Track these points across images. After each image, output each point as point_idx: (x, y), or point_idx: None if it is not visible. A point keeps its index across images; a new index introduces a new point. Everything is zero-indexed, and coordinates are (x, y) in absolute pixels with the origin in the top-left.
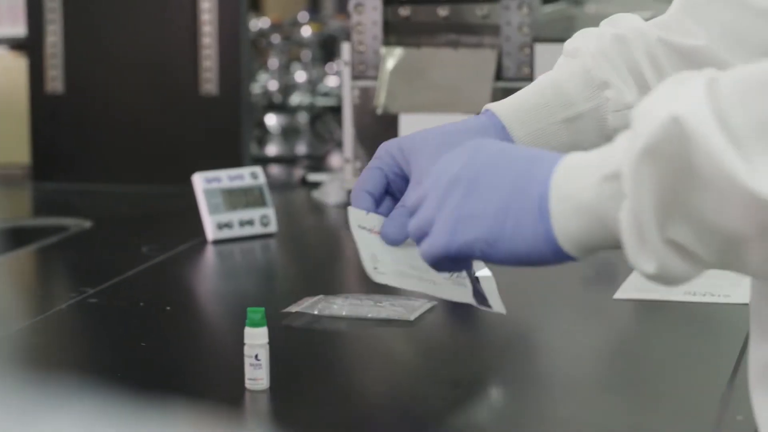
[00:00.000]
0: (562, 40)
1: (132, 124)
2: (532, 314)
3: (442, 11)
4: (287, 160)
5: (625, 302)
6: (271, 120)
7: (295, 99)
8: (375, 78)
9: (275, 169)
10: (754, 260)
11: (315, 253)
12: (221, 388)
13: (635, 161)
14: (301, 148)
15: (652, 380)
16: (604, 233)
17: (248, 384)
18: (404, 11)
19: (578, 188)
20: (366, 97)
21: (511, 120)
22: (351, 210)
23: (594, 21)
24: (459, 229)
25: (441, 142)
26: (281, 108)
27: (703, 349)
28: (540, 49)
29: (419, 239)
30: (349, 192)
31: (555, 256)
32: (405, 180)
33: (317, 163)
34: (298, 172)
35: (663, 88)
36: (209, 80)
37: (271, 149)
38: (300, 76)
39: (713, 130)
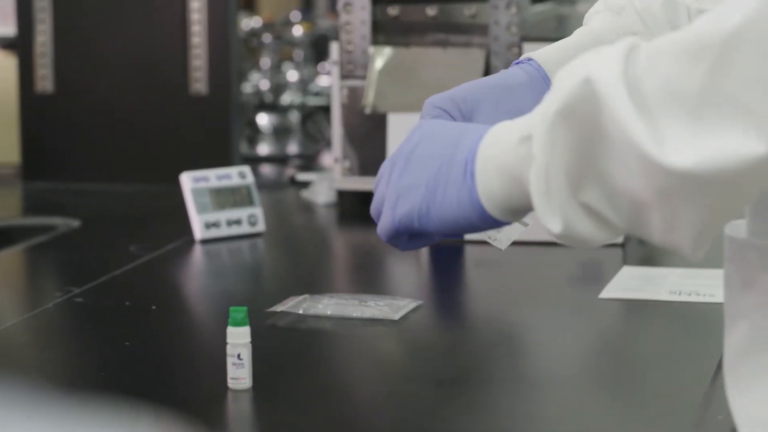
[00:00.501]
0: (550, 39)
1: (122, 123)
2: (517, 314)
3: (431, 11)
4: (279, 160)
5: (611, 302)
6: (263, 119)
7: (287, 98)
8: (364, 77)
9: (267, 169)
10: (655, 226)
11: (302, 252)
12: (204, 387)
13: (549, 122)
14: (293, 148)
15: (635, 379)
16: (522, 194)
17: (231, 383)
18: (393, 11)
19: (501, 150)
20: (355, 96)
21: (553, 65)
22: None
23: None
24: (399, 203)
25: (496, 98)
26: (272, 107)
27: (687, 349)
28: (528, 48)
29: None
30: (338, 192)
31: (480, 218)
32: None
33: (309, 162)
34: (290, 172)
35: (588, 53)
36: (199, 80)
37: (263, 149)
38: (292, 75)
39: (621, 92)
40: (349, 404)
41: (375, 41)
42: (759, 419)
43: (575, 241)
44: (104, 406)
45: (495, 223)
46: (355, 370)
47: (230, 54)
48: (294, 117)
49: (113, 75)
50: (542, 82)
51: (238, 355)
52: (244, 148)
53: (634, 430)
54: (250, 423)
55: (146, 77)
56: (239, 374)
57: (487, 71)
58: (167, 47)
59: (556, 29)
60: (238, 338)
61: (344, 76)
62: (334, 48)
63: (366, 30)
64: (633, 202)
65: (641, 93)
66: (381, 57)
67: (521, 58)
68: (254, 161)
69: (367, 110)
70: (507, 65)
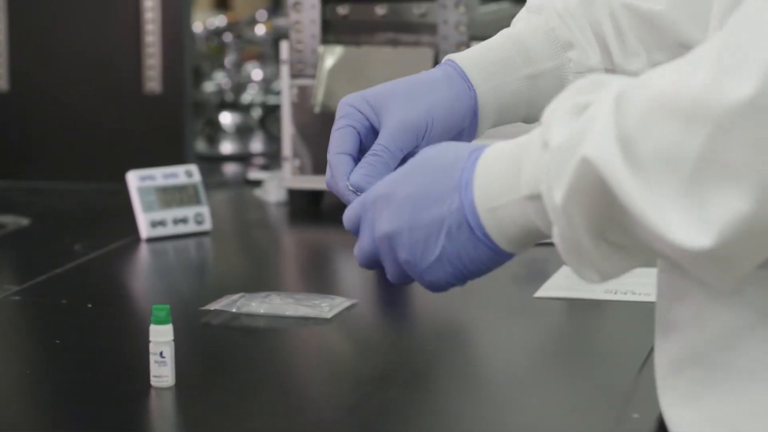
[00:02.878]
0: None
1: (76, 121)
2: (451, 312)
3: (381, 10)
4: (240, 158)
5: (546, 300)
6: (226, 118)
7: (247, 97)
8: (313, 76)
9: (231, 167)
10: (687, 271)
11: (249, 251)
12: (128, 385)
13: (560, 206)
14: (257, 146)
15: (559, 378)
16: (536, 236)
17: (153, 381)
18: (342, 10)
19: (507, 205)
20: (304, 95)
21: (474, 72)
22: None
23: None
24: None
25: (409, 92)
26: (234, 106)
27: (617, 347)
28: None
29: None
30: (288, 190)
31: (502, 259)
32: (375, 133)
33: (272, 160)
34: (253, 170)
35: (570, 98)
36: (153, 78)
37: (226, 147)
38: (257, 74)
39: (621, 172)
40: (267, 403)
41: (325, 40)
42: None
43: (616, 276)
44: (26, 403)
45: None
46: (281, 369)
47: (184, 53)
48: (257, 115)
49: (67, 74)
50: (458, 78)
51: (161, 353)
52: (202, 147)
53: (548, 427)
54: (171, 421)
55: (100, 76)
56: (162, 372)
57: None
58: (121, 46)
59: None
60: (161, 336)
61: (294, 75)
62: (283, 47)
63: (315, 29)
64: (659, 253)
65: (636, 154)
66: (331, 56)
67: (445, 59)
68: (216, 160)
69: (317, 109)
70: None
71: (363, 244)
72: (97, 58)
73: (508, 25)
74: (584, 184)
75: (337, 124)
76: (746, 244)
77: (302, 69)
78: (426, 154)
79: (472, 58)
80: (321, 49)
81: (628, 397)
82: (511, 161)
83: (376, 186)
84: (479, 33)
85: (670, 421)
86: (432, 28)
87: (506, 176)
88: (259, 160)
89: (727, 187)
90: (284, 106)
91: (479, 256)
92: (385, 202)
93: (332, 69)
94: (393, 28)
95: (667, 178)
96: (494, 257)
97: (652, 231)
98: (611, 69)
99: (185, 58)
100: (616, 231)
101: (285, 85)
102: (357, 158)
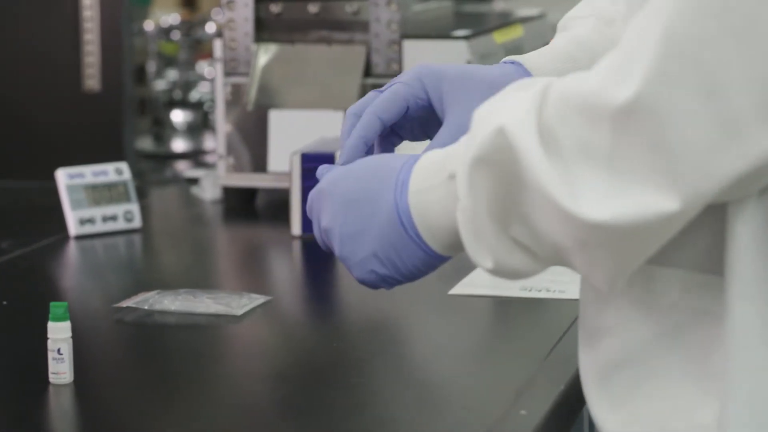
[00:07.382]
0: (430, 36)
1: (14, 119)
2: (363, 308)
3: (313, 8)
4: (187, 156)
5: (462, 297)
6: (177, 116)
7: (195, 95)
8: (247, 74)
9: (182, 165)
10: (576, 266)
11: (178, 249)
12: (27, 382)
13: (468, 168)
14: (210, 143)
15: (458, 375)
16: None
17: (52, 378)
18: (276, 8)
19: (432, 189)
20: (238, 93)
21: (542, 70)
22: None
23: (501, 17)
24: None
25: (485, 91)
26: (183, 104)
27: (523, 345)
28: (408, 45)
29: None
30: (223, 188)
31: (433, 260)
32: (425, 110)
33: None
34: (191, 168)
35: (503, 93)
36: (92, 76)
37: (178, 145)
38: (210, 72)
39: (534, 145)
40: (167, 400)
41: (259, 38)
42: None
43: (508, 275)
44: None
45: (444, 259)
46: (182, 366)
47: (123, 50)
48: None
49: (5, 70)
50: (525, 75)
51: (58, 350)
52: (149, 144)
53: (434, 423)
54: (67, 418)
55: (39, 73)
56: (60, 369)
57: (368, 68)
58: (60, 44)
59: (438, 27)
60: (58, 333)
61: (228, 73)
62: (217, 45)
63: (249, 27)
64: (554, 245)
65: (556, 143)
66: (264, 54)
67: (503, 60)
68: (164, 158)
69: (250, 107)
70: (387, 62)
71: (314, 231)
72: (36, 55)
73: (443, 24)
74: (494, 153)
75: (395, 87)
76: (642, 237)
77: (236, 67)
78: (370, 158)
79: (535, 59)
80: (254, 47)
81: (519, 394)
82: (445, 153)
83: (323, 179)
84: (411, 31)
85: (602, 425)
86: (364, 26)
87: (437, 165)
88: (213, 158)
89: (650, 184)
90: (218, 104)
91: (410, 256)
92: (325, 198)
93: (266, 67)
94: (326, 25)
95: (586, 162)
96: (425, 258)
97: (552, 202)
98: None
99: (125, 55)
100: (518, 225)
101: (219, 83)
102: (387, 125)
